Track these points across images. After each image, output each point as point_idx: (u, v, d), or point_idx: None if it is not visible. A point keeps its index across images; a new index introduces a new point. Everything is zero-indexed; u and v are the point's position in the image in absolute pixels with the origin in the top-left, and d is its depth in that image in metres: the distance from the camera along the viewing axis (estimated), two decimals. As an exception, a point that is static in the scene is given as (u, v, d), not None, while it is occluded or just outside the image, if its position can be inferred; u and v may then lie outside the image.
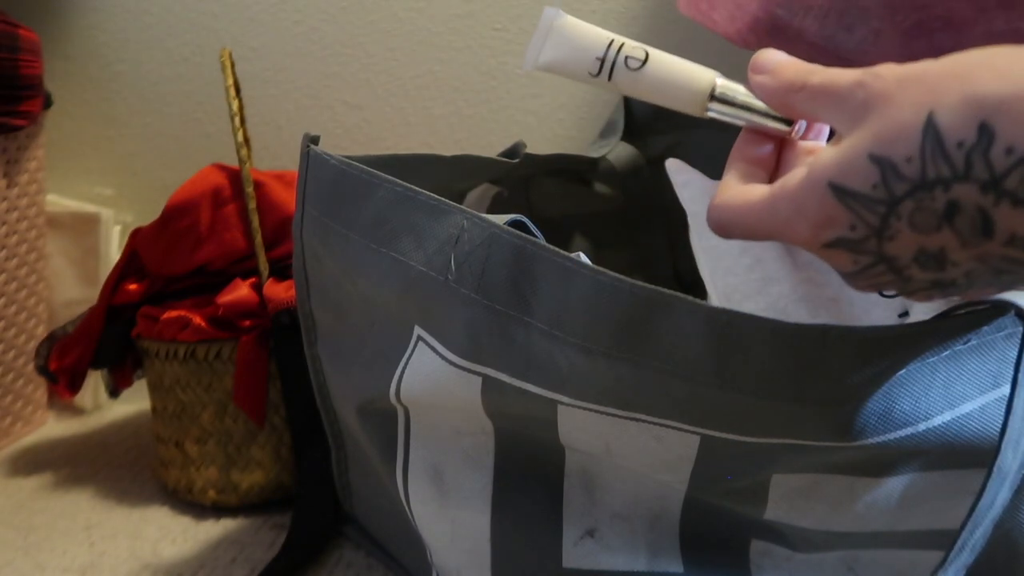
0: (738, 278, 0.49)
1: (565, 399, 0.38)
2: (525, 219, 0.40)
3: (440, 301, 0.41)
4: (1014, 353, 0.35)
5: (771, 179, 0.36)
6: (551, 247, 0.38)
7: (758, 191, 0.31)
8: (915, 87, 0.26)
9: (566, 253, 0.37)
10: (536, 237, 0.39)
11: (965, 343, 0.34)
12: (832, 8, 0.48)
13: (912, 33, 0.47)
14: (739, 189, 0.33)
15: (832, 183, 0.28)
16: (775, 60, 0.33)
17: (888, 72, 0.28)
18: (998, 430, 0.35)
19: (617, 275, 0.35)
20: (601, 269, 0.36)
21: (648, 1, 0.79)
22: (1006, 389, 0.35)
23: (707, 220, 0.34)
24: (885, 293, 0.31)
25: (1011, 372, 0.35)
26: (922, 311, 0.44)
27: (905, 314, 0.46)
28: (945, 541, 0.39)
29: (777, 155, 0.37)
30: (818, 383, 0.33)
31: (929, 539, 0.39)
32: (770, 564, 0.42)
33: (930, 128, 0.25)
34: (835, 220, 0.28)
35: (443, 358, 0.42)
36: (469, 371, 0.41)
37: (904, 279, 0.29)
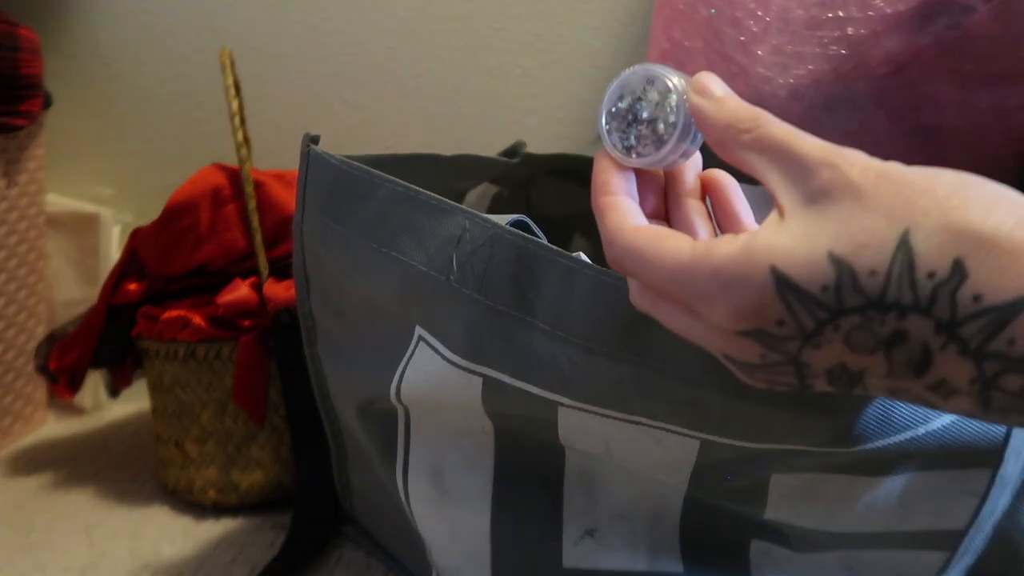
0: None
1: (566, 400, 0.38)
2: (527, 219, 0.40)
3: (441, 301, 0.41)
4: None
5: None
6: (553, 247, 0.38)
7: (676, 245, 0.27)
8: (893, 194, 0.24)
9: (568, 254, 0.37)
10: (538, 237, 0.39)
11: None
12: (820, 91, 0.48)
13: (898, 112, 0.47)
14: (653, 233, 0.29)
15: (776, 270, 0.25)
16: (722, 89, 0.30)
17: (861, 162, 0.25)
18: (996, 431, 0.35)
19: (620, 275, 0.35)
20: (604, 269, 0.36)
21: (648, 1, 0.79)
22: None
23: (606, 248, 0.30)
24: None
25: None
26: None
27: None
28: (945, 541, 0.39)
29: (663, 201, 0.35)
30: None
31: (929, 539, 0.39)
32: (770, 564, 0.42)
33: (903, 247, 0.23)
34: (763, 311, 0.25)
35: (444, 358, 0.42)
36: (470, 371, 0.41)
37: (804, 387, 0.27)
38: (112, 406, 0.86)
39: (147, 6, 0.84)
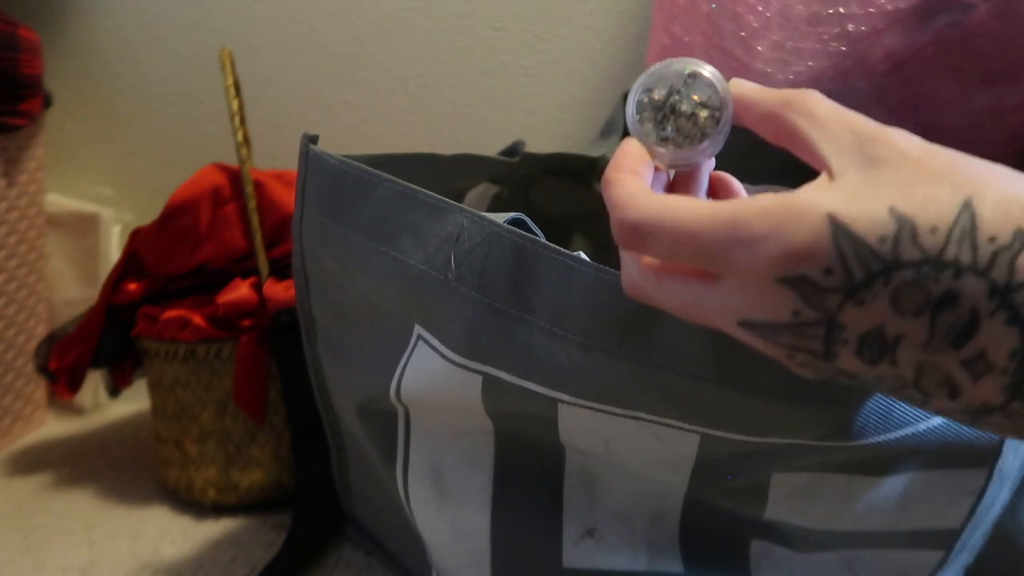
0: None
1: (566, 397, 0.38)
2: (525, 217, 0.40)
3: (440, 300, 0.41)
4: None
5: None
6: (551, 245, 0.38)
7: (708, 205, 0.27)
8: (952, 164, 0.25)
9: (567, 251, 0.37)
10: (536, 235, 0.39)
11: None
12: (819, 88, 0.49)
13: (897, 110, 0.47)
14: (674, 199, 0.28)
15: (834, 216, 0.24)
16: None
17: (915, 138, 0.26)
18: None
19: (618, 272, 0.35)
20: (602, 266, 0.36)
21: (648, 1, 0.79)
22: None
23: (616, 219, 0.29)
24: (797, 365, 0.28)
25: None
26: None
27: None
28: (945, 540, 0.39)
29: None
30: (818, 382, 0.33)
31: (929, 539, 0.39)
32: (770, 564, 0.42)
33: (967, 210, 0.24)
34: (814, 255, 0.24)
35: (443, 357, 0.42)
36: (469, 369, 0.41)
37: (827, 355, 0.26)
38: (112, 406, 0.86)
39: (147, 6, 0.84)
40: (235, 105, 0.64)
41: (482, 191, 0.68)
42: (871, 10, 0.45)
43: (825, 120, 0.27)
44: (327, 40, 0.83)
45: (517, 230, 0.39)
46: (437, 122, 0.84)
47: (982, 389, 0.24)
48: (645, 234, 0.28)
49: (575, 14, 0.80)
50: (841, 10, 0.46)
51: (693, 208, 0.27)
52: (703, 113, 0.32)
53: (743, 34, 0.50)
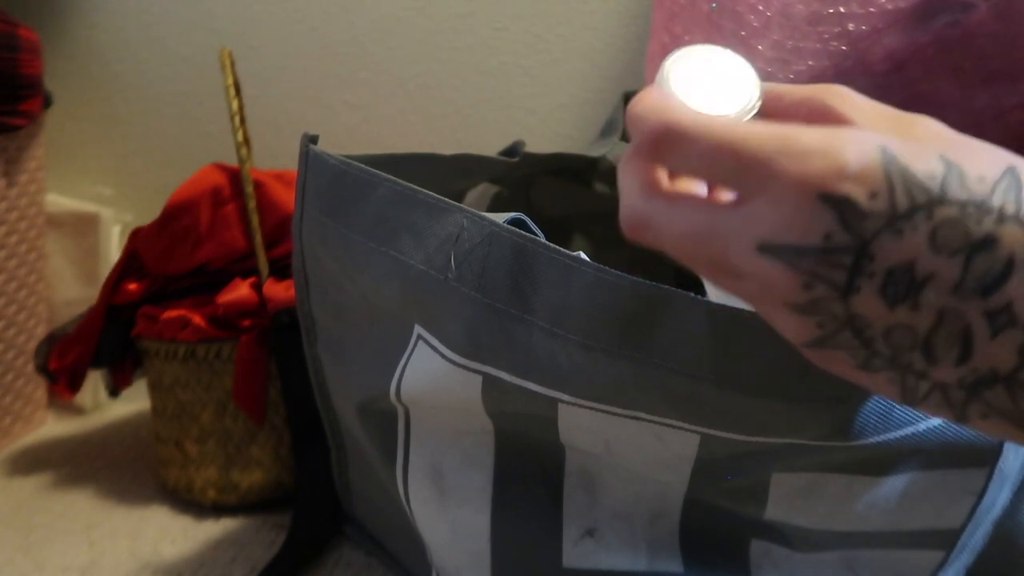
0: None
1: (566, 397, 0.38)
2: (525, 217, 0.40)
3: (440, 300, 0.41)
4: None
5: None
6: (551, 245, 0.38)
7: (751, 123, 0.27)
8: (988, 146, 0.26)
9: (567, 251, 0.37)
10: (536, 235, 0.39)
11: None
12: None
13: (898, 109, 0.48)
14: (714, 115, 0.28)
15: (887, 149, 0.25)
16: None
17: (943, 125, 0.27)
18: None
19: (618, 272, 0.35)
20: (602, 267, 0.36)
21: (648, 1, 0.79)
22: (1007, 388, 0.35)
23: (645, 130, 0.28)
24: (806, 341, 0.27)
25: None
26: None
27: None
28: (945, 540, 0.39)
29: None
30: (817, 381, 0.33)
31: (929, 539, 0.39)
32: (770, 564, 0.42)
33: (1011, 173, 0.24)
34: (864, 176, 0.24)
35: (443, 357, 0.42)
36: (469, 369, 0.41)
37: (849, 288, 0.25)
38: (112, 406, 0.86)
39: (147, 6, 0.84)
40: (235, 105, 0.64)
41: (482, 191, 0.68)
42: (871, 9, 0.45)
43: (861, 105, 0.28)
44: (327, 40, 0.83)
45: (517, 230, 0.39)
46: (437, 122, 0.84)
47: (997, 348, 0.24)
48: (680, 138, 0.27)
49: (575, 14, 0.80)
50: (841, 9, 0.46)
51: (734, 124, 0.26)
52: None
53: (743, 33, 0.50)
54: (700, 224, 0.27)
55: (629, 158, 0.29)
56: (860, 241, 0.25)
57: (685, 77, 0.31)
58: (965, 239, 0.24)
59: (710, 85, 0.31)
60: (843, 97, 0.29)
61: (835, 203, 0.24)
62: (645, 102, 0.28)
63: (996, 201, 0.24)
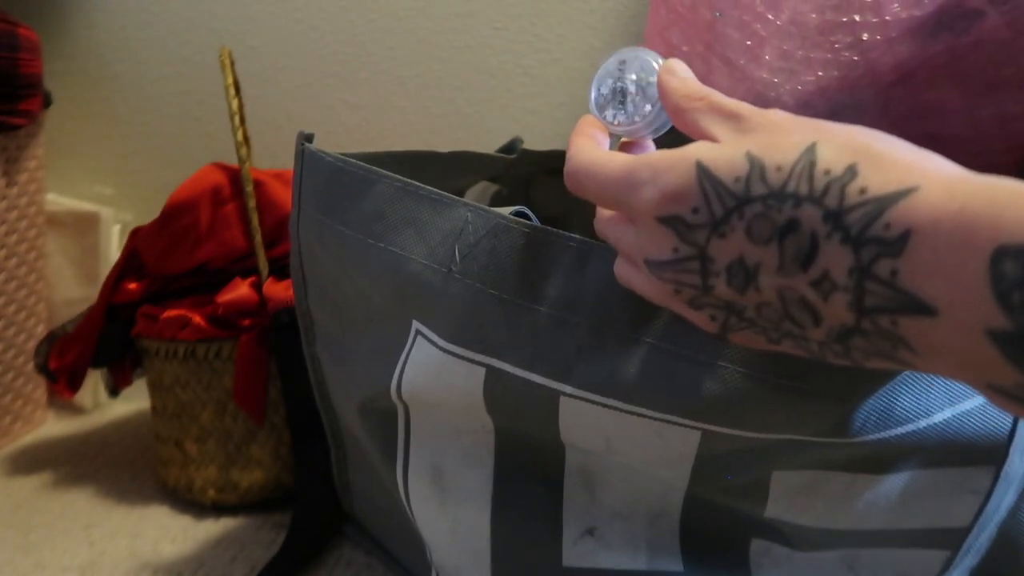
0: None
1: (568, 389, 0.38)
2: (527, 210, 0.41)
3: (442, 293, 0.41)
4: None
5: None
6: (561, 232, 0.38)
7: (620, 157, 0.33)
8: (811, 123, 0.28)
9: (577, 236, 0.38)
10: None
11: (967, 340, 0.34)
12: (826, 99, 0.48)
13: (902, 120, 0.47)
14: (601, 152, 0.34)
15: (701, 162, 0.29)
16: (686, 72, 0.35)
17: (782, 112, 0.30)
18: (999, 428, 0.35)
19: None
20: (612, 249, 0.36)
21: (647, 1, 0.79)
22: (1008, 387, 0.35)
23: (567, 170, 0.35)
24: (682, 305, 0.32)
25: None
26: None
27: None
28: (946, 540, 0.38)
29: None
30: (818, 377, 0.33)
31: (930, 538, 0.39)
32: (770, 563, 0.42)
33: (809, 152, 0.27)
34: (684, 196, 0.29)
35: (443, 350, 0.42)
36: (472, 361, 0.41)
37: (705, 287, 0.30)
38: (112, 405, 0.86)
39: (147, 5, 0.84)
40: (235, 104, 0.64)
41: (482, 189, 0.68)
42: (887, 18, 0.45)
43: (718, 108, 0.31)
44: (327, 40, 0.83)
45: (524, 221, 0.39)
46: (437, 122, 0.84)
47: (834, 309, 0.27)
48: (579, 179, 0.34)
49: (575, 13, 0.80)
50: (856, 18, 0.46)
51: (609, 159, 0.33)
52: (645, 86, 0.36)
53: (748, 43, 0.50)
54: (621, 238, 0.34)
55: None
56: (698, 249, 0.29)
57: (604, 88, 0.38)
58: (772, 228, 0.27)
59: (623, 96, 0.37)
60: (700, 108, 0.32)
61: (669, 222, 0.30)
62: (570, 148, 0.36)
63: (791, 187, 0.27)
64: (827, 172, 0.26)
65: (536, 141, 0.80)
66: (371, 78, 0.84)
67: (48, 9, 0.85)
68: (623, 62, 0.37)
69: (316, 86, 0.84)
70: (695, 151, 0.29)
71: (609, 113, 0.37)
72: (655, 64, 0.36)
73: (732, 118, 0.30)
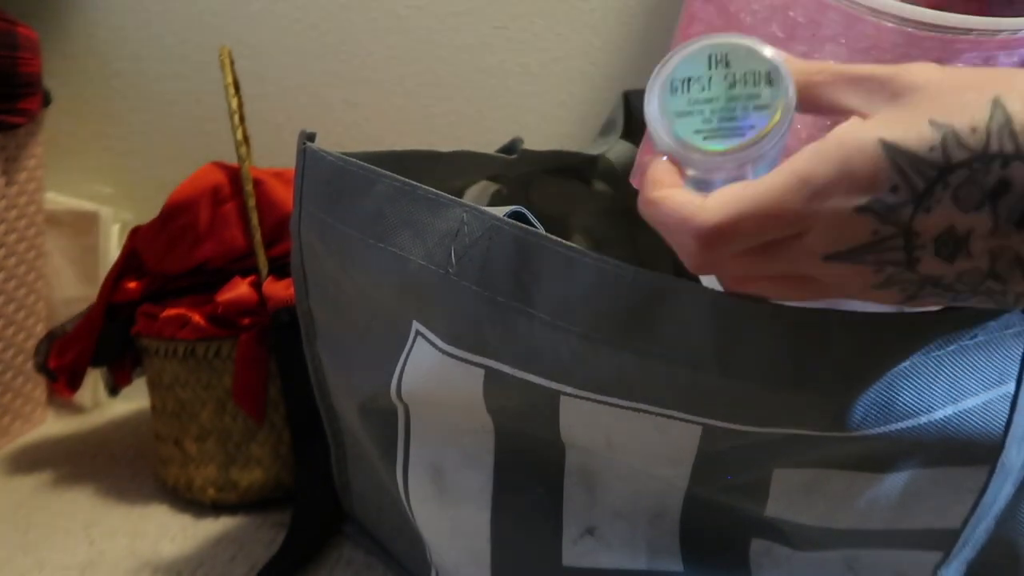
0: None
1: (568, 389, 0.38)
2: (524, 210, 0.40)
3: (441, 294, 0.41)
4: (1020, 351, 0.35)
5: None
6: (553, 237, 0.38)
7: (757, 180, 0.29)
8: (973, 76, 0.27)
9: (568, 243, 0.37)
10: (536, 228, 0.39)
11: (972, 339, 0.34)
12: None
13: None
14: (726, 189, 0.29)
15: (885, 141, 0.27)
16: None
17: (929, 68, 0.28)
18: (1000, 427, 0.35)
19: (620, 263, 0.35)
20: (604, 257, 0.36)
21: (647, 0, 0.79)
22: (1010, 387, 0.35)
23: (692, 237, 0.29)
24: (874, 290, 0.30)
25: (1016, 370, 0.35)
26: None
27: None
28: (946, 541, 0.38)
29: None
30: (819, 370, 0.33)
31: (930, 539, 0.39)
32: (770, 563, 0.42)
33: (998, 107, 0.26)
34: (879, 179, 0.27)
35: (443, 352, 0.42)
36: (471, 363, 0.41)
37: (911, 261, 0.28)
38: (111, 404, 0.86)
39: (146, 4, 0.84)
40: (234, 103, 0.64)
41: (481, 189, 0.68)
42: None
43: (848, 76, 0.29)
44: (327, 38, 0.83)
45: (518, 223, 0.39)
46: (436, 120, 0.84)
47: None
48: (726, 232, 0.29)
49: (575, 12, 0.80)
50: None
51: (756, 189, 0.28)
52: (755, 91, 0.29)
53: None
54: (767, 263, 0.30)
55: (676, 247, 0.31)
56: (903, 227, 0.28)
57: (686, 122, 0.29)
58: (982, 192, 0.26)
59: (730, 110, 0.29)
60: (824, 81, 0.30)
61: (868, 208, 0.28)
62: (664, 212, 0.30)
63: (994, 147, 0.26)
64: None
65: (536, 140, 0.80)
66: (371, 77, 0.84)
67: (47, 8, 0.85)
68: (718, 59, 0.29)
69: (316, 85, 0.84)
70: (866, 130, 0.27)
71: (720, 143, 0.29)
72: (763, 52, 0.29)
73: (871, 83, 0.29)
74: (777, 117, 0.29)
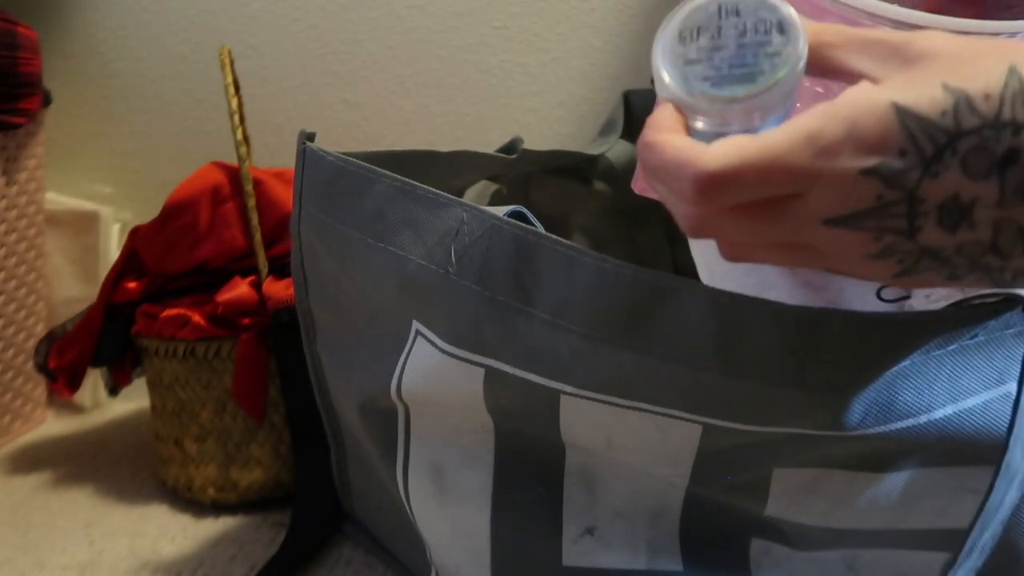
0: (735, 283, 0.49)
1: (568, 388, 0.38)
2: (524, 210, 0.40)
3: (441, 294, 0.41)
4: (1021, 351, 0.35)
5: None
6: (552, 236, 0.38)
7: (764, 133, 0.28)
8: (989, 45, 0.27)
9: (568, 242, 0.37)
10: (536, 227, 0.39)
11: (972, 338, 0.34)
12: None
13: None
14: (731, 139, 0.28)
15: (897, 103, 0.27)
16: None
17: (944, 36, 0.28)
18: (1000, 426, 0.35)
19: (620, 262, 0.35)
20: (603, 256, 0.36)
21: (647, 0, 0.79)
22: (1011, 386, 0.35)
23: (691, 181, 0.28)
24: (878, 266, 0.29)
25: (1017, 369, 0.35)
26: (921, 306, 0.43)
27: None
28: (947, 541, 0.38)
29: None
30: (819, 369, 0.33)
31: (931, 539, 0.39)
32: (770, 563, 0.42)
33: (1014, 75, 0.26)
34: (887, 141, 0.26)
35: (443, 351, 0.42)
36: (472, 362, 0.41)
37: (912, 230, 0.27)
38: (111, 404, 0.86)
39: (146, 4, 0.84)
40: (234, 103, 0.64)
41: (481, 189, 0.68)
42: None
43: (862, 39, 0.29)
44: (326, 38, 0.83)
45: (518, 223, 0.39)
46: (436, 120, 0.84)
47: None
48: (727, 180, 0.28)
49: (575, 12, 0.80)
50: None
51: (762, 141, 0.27)
52: (768, 38, 0.28)
53: None
54: (777, 230, 0.29)
55: (673, 205, 0.30)
56: (907, 193, 0.27)
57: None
58: (991, 160, 0.26)
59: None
60: (836, 43, 0.29)
61: (874, 171, 0.27)
62: (662, 156, 0.29)
63: (1007, 115, 0.26)
64: None
65: (536, 140, 0.80)
66: (371, 77, 0.84)
67: (47, 8, 0.85)
68: (728, 9, 0.28)
69: (316, 85, 0.84)
70: (879, 92, 0.27)
71: (730, 90, 0.28)
72: (774, 1, 0.28)
73: (885, 48, 0.28)
74: (788, 65, 0.29)
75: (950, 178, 0.27)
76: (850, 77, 0.29)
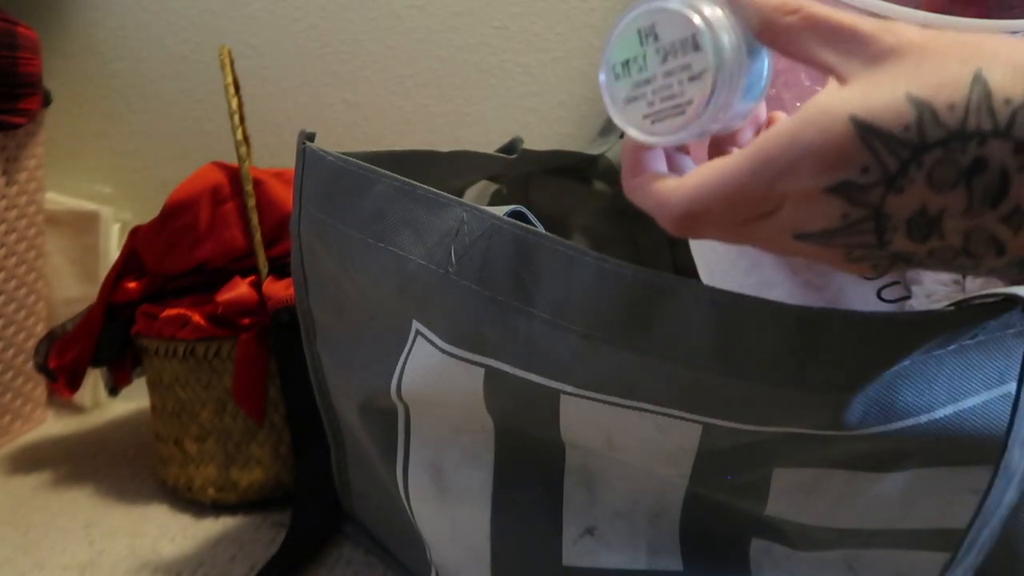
0: (736, 282, 0.49)
1: (568, 388, 0.38)
2: (524, 209, 0.40)
3: (441, 294, 0.41)
4: (1021, 351, 0.35)
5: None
6: (552, 236, 0.38)
7: (729, 159, 0.28)
8: (957, 44, 0.26)
9: (567, 242, 0.37)
10: (536, 227, 0.39)
11: (972, 338, 0.34)
12: None
13: None
14: (699, 171, 0.29)
15: (856, 118, 0.26)
16: None
17: (914, 27, 0.27)
18: (1000, 426, 0.35)
19: (620, 262, 0.35)
20: (603, 256, 0.36)
21: (648, -1, 0.79)
22: (1011, 386, 0.35)
23: (668, 221, 0.30)
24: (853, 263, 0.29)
25: (1017, 369, 0.35)
26: (921, 306, 0.43)
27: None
28: (947, 541, 0.38)
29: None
30: (819, 369, 0.33)
31: (931, 539, 0.39)
32: (770, 563, 0.42)
33: (979, 81, 0.25)
34: (848, 159, 0.26)
35: (443, 351, 0.42)
36: (472, 362, 0.41)
37: (883, 244, 0.27)
38: (111, 404, 0.86)
39: (146, 4, 0.84)
40: (234, 103, 0.64)
41: (481, 189, 0.68)
42: None
43: (825, 24, 0.28)
44: (326, 38, 0.83)
45: (518, 223, 0.39)
46: (436, 120, 0.84)
47: (1023, 239, 0.26)
48: (698, 217, 0.29)
49: (575, 12, 0.80)
50: None
51: (722, 170, 0.28)
52: (682, 63, 0.27)
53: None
54: (763, 233, 0.30)
55: (661, 222, 0.31)
56: (873, 210, 0.27)
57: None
58: (958, 172, 0.25)
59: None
60: (805, 28, 0.28)
61: (838, 190, 0.27)
62: (637, 197, 0.31)
63: (972, 125, 0.25)
64: (1007, 101, 0.25)
65: (536, 140, 0.80)
66: (370, 76, 0.84)
67: (47, 8, 0.85)
68: (647, 33, 0.27)
69: (316, 85, 0.84)
70: (840, 104, 0.26)
71: (670, 123, 0.27)
72: (684, 13, 0.26)
73: (850, 39, 0.27)
74: (708, 86, 0.27)
75: (916, 192, 0.26)
76: (815, 67, 0.28)
